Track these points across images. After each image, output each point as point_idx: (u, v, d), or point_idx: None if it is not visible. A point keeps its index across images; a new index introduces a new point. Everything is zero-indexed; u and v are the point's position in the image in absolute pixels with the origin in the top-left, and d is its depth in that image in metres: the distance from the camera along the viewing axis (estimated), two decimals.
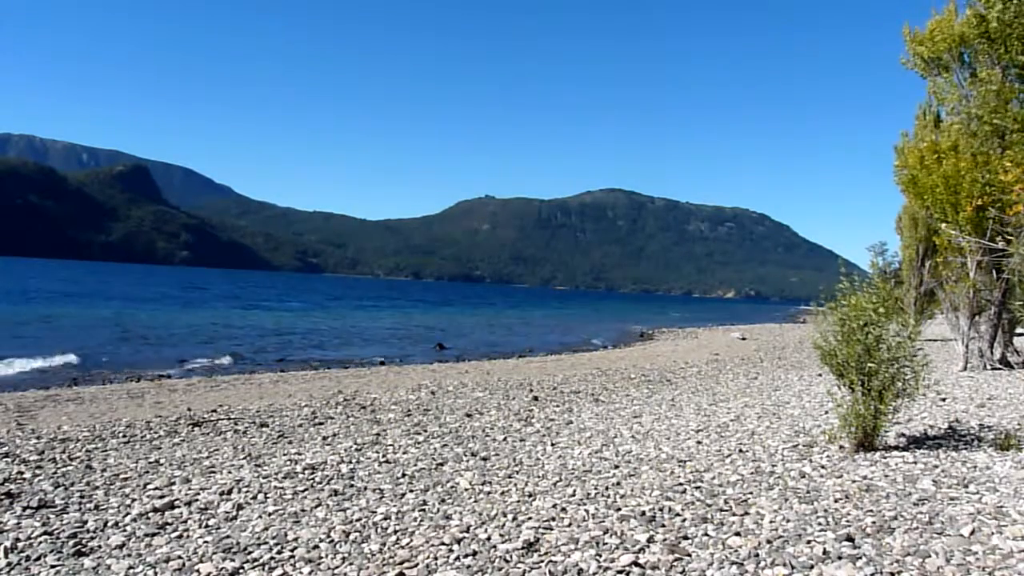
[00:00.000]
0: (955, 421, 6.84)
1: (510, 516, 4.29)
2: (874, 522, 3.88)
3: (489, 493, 4.87)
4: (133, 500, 4.85)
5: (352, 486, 5.14)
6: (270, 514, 4.50)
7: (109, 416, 8.70)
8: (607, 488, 4.85)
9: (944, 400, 8.26)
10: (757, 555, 3.50)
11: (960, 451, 5.47)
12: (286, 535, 4.08)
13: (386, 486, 5.11)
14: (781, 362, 16.60)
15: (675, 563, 3.46)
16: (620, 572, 3.39)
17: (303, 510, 4.57)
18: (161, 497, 4.89)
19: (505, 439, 6.91)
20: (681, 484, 4.87)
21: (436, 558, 3.66)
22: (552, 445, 6.54)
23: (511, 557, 3.63)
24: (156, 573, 3.61)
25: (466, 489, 4.99)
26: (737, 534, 3.80)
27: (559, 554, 3.64)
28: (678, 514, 4.20)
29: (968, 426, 6.56)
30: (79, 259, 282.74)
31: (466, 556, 3.67)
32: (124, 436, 7.24)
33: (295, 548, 3.87)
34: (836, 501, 4.31)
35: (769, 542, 3.66)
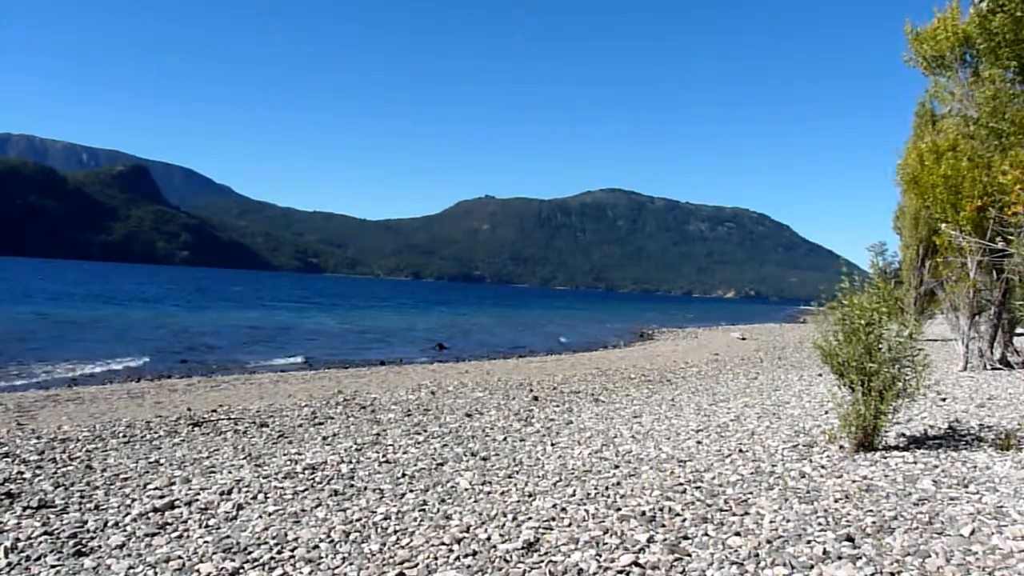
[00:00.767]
0: (955, 421, 6.83)
1: (510, 516, 4.29)
2: (874, 522, 3.87)
3: (489, 493, 4.87)
4: (133, 500, 4.85)
5: (352, 486, 5.14)
6: (270, 514, 4.50)
7: (109, 416, 8.70)
8: (607, 488, 4.85)
9: (944, 400, 8.25)
10: (757, 555, 3.50)
11: (960, 451, 5.47)
12: (286, 535, 4.08)
13: (386, 486, 5.11)
14: (781, 362, 16.60)
15: (675, 563, 3.45)
16: (620, 572, 3.39)
17: (303, 510, 4.57)
18: (161, 497, 4.89)
19: (505, 439, 6.91)
20: (681, 484, 4.87)
21: (436, 558, 3.66)
22: (552, 445, 6.54)
23: (511, 557, 3.63)
24: (156, 573, 3.61)
25: (466, 489, 4.99)
26: (737, 534, 3.80)
27: (559, 554, 3.64)
28: (678, 514, 4.20)
29: (968, 426, 6.56)
30: (79, 259, 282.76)
31: (466, 556, 3.67)
32: (124, 436, 7.24)
33: (295, 548, 3.87)
34: (836, 501, 4.31)
35: (769, 542, 3.66)
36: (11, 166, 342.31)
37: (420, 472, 5.53)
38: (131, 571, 3.63)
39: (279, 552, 3.82)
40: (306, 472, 5.56)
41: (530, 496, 4.75)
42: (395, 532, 4.09)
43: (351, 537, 4.03)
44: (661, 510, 4.29)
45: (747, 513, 4.16)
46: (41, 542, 4.03)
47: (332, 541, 3.97)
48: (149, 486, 5.20)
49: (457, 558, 3.65)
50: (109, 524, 4.35)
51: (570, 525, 4.09)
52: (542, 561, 3.56)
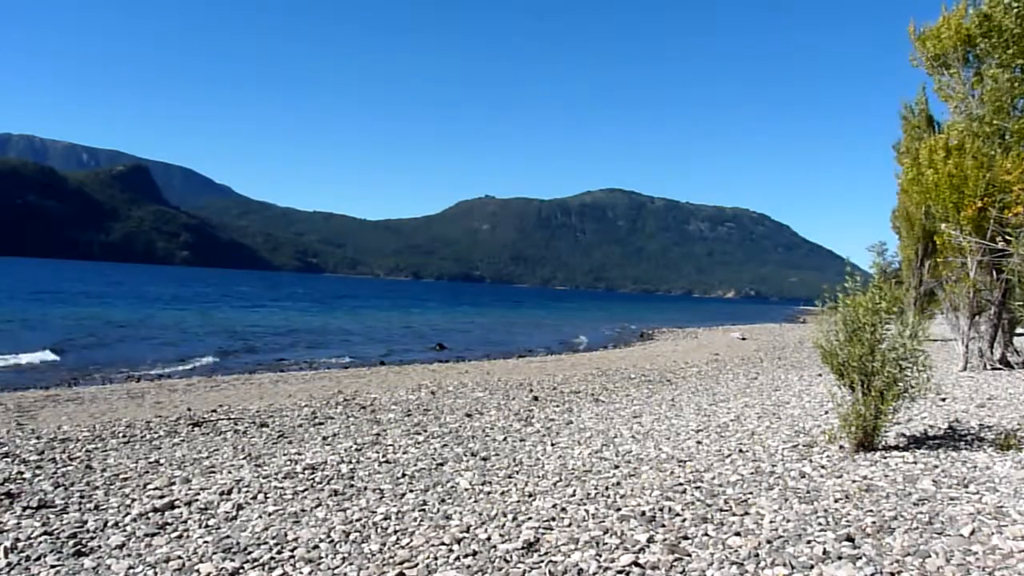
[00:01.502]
0: (955, 421, 6.83)
1: (510, 516, 4.29)
2: (874, 522, 3.87)
3: (489, 493, 4.87)
4: (133, 500, 4.85)
5: (352, 486, 5.14)
6: (270, 514, 4.50)
7: (109, 416, 8.70)
8: (607, 488, 4.85)
9: (944, 400, 8.25)
10: (757, 555, 3.50)
11: (960, 451, 5.47)
12: (286, 535, 4.08)
13: (386, 486, 5.11)
14: (781, 362, 16.60)
15: (675, 563, 3.45)
16: (620, 572, 3.39)
17: (303, 510, 4.57)
18: (161, 497, 4.89)
19: (505, 439, 6.91)
20: (681, 484, 4.87)
21: (436, 558, 3.66)
22: (552, 445, 6.54)
23: (511, 557, 3.63)
24: (156, 573, 3.61)
25: (466, 489, 4.99)
26: (737, 534, 3.80)
27: (559, 554, 3.64)
28: (678, 514, 4.20)
29: (968, 426, 6.56)
30: (79, 259, 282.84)
31: (466, 556, 3.67)
32: (124, 436, 7.24)
33: (295, 548, 3.87)
34: (836, 501, 4.31)
35: (769, 542, 3.66)
36: (11, 166, 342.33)
37: (420, 472, 5.53)
38: (131, 571, 3.63)
39: (279, 552, 3.82)
40: (306, 472, 5.56)
41: (530, 496, 4.75)
42: (395, 532, 4.09)
43: (351, 537, 4.03)
44: (661, 510, 4.28)
45: (747, 513, 4.16)
46: (41, 542, 4.03)
47: (332, 541, 3.97)
48: (149, 486, 5.20)
49: (457, 558, 3.65)
50: (109, 524, 4.35)
51: (570, 525, 4.09)
52: (542, 561, 3.56)
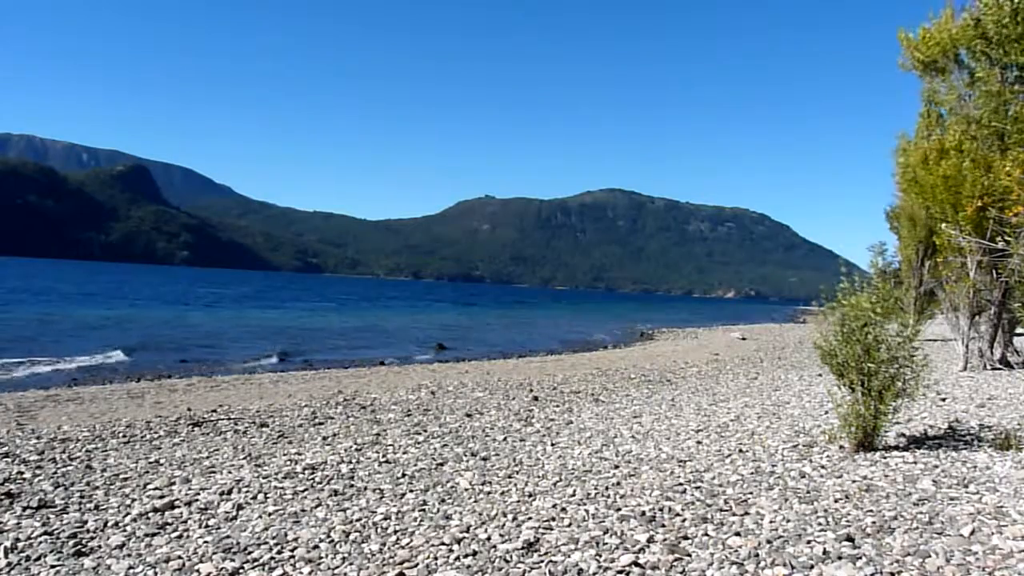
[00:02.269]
0: (955, 421, 6.83)
1: (510, 516, 4.29)
2: (874, 522, 3.87)
3: (489, 493, 4.87)
4: (133, 500, 4.85)
5: (352, 486, 5.14)
6: (270, 514, 4.50)
7: (109, 416, 8.70)
8: (607, 488, 4.85)
9: (944, 400, 8.25)
10: (757, 555, 3.50)
11: (960, 451, 5.47)
12: (286, 535, 4.08)
13: (386, 486, 5.11)
14: (781, 362, 16.60)
15: (675, 563, 3.45)
16: (620, 572, 3.39)
17: (303, 510, 4.57)
18: (161, 497, 4.89)
19: (505, 439, 6.91)
20: (681, 484, 4.87)
21: (436, 558, 3.66)
22: (552, 445, 6.54)
23: (511, 557, 3.63)
24: (156, 573, 3.61)
25: (466, 489, 4.99)
26: (737, 534, 3.80)
27: (559, 554, 3.64)
28: (678, 514, 4.20)
29: (968, 426, 6.56)
30: (79, 259, 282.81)
31: (466, 556, 3.67)
32: (124, 436, 7.24)
33: (295, 548, 3.87)
34: (836, 501, 4.31)
35: (769, 542, 3.66)
36: (11, 166, 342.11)
37: (420, 472, 5.53)
38: (131, 571, 3.63)
39: (279, 552, 3.82)
40: (306, 472, 5.56)
41: (530, 496, 4.75)
42: (395, 532, 4.09)
43: (351, 537, 4.03)
44: (661, 510, 4.28)
45: (747, 513, 4.16)
46: (41, 542, 4.03)
47: (332, 541, 3.97)
48: (149, 486, 5.20)
49: (457, 558, 3.65)
50: (109, 524, 4.35)
51: (570, 525, 4.09)
52: (542, 561, 3.56)
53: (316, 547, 3.88)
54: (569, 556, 3.60)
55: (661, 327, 40.45)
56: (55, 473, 5.62)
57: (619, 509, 4.34)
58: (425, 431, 7.40)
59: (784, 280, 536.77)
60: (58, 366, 15.48)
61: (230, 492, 5.00)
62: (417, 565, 3.59)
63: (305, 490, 5.05)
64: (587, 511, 4.32)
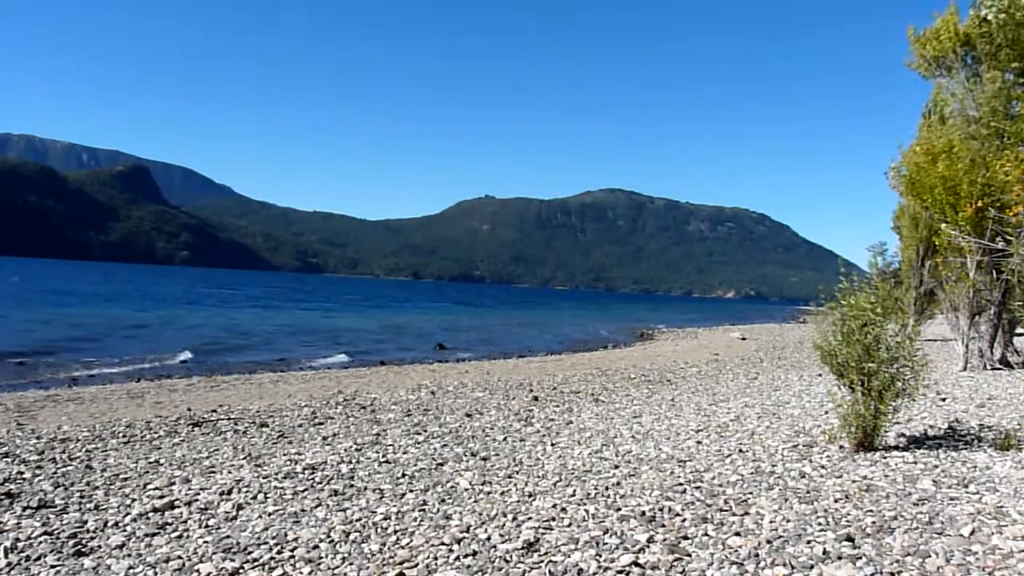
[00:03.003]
0: (955, 421, 6.83)
1: (510, 516, 4.29)
2: (874, 522, 3.87)
3: (489, 493, 4.87)
4: (133, 500, 4.85)
5: (352, 486, 5.14)
6: (270, 514, 4.50)
7: (109, 416, 8.70)
8: (607, 488, 4.85)
9: (944, 400, 8.25)
10: (757, 555, 3.50)
11: (960, 451, 5.47)
12: (286, 535, 4.08)
13: (386, 486, 5.11)
14: (781, 362, 16.60)
15: (675, 563, 3.45)
16: (620, 572, 3.39)
17: (303, 510, 4.57)
18: (161, 497, 4.89)
19: (505, 439, 6.91)
20: (681, 484, 4.87)
21: (436, 558, 3.66)
22: (552, 445, 6.54)
23: (511, 557, 3.63)
24: (156, 573, 3.61)
25: (466, 489, 4.99)
26: (737, 534, 3.80)
27: (559, 554, 3.64)
28: (678, 514, 4.20)
29: (968, 426, 6.56)
30: (79, 259, 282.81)
31: (466, 556, 3.67)
32: (124, 436, 7.24)
33: (295, 548, 3.87)
34: (836, 501, 4.31)
35: (769, 542, 3.66)
36: (11, 166, 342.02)
37: (420, 472, 5.53)
38: (131, 571, 3.63)
39: (279, 552, 3.82)
40: (306, 472, 5.56)
41: (530, 496, 4.75)
42: (395, 532, 4.09)
43: (351, 537, 4.03)
44: (661, 510, 4.28)
45: (747, 513, 4.16)
46: (41, 542, 4.03)
47: (332, 541, 3.97)
48: (149, 486, 5.20)
49: (457, 558, 3.65)
50: (109, 524, 4.35)
51: (570, 525, 4.09)
52: (542, 561, 3.56)
53: (316, 547, 3.88)
54: (569, 556, 3.60)
55: (661, 327, 40.47)
56: (55, 473, 5.62)
57: (619, 509, 4.34)
58: (425, 431, 7.40)
59: (784, 280, 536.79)
60: (141, 365, 16.38)
61: (230, 492, 5.00)
62: (417, 565, 3.59)
63: (305, 490, 5.05)
64: (587, 511, 4.32)
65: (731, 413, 8.09)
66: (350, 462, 5.91)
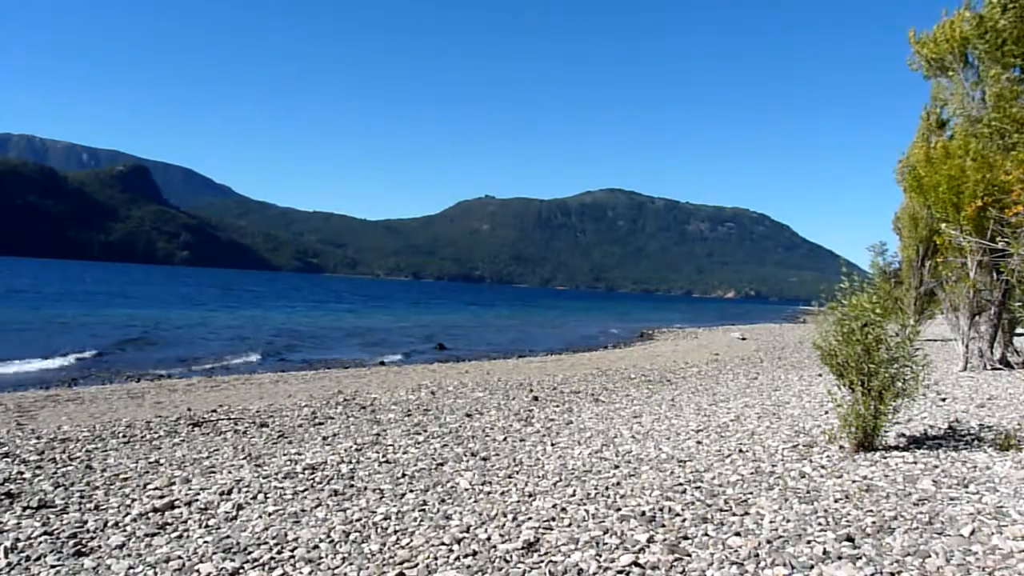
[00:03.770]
0: (955, 421, 6.83)
1: (510, 516, 4.29)
2: (874, 522, 3.87)
3: (489, 493, 4.87)
4: (133, 500, 4.85)
5: (352, 486, 5.14)
6: (270, 514, 4.50)
7: (109, 416, 8.70)
8: (607, 488, 4.85)
9: (944, 400, 8.25)
10: (757, 555, 3.50)
11: (960, 451, 5.47)
12: (286, 535, 4.08)
13: (386, 486, 5.11)
14: (781, 362, 16.60)
15: (675, 563, 3.45)
16: (620, 572, 3.39)
17: (303, 510, 4.57)
18: (161, 497, 4.89)
19: (505, 439, 6.91)
20: (681, 484, 4.87)
21: (436, 558, 3.66)
22: (552, 445, 6.54)
23: (511, 557, 3.63)
24: (156, 573, 3.61)
25: (466, 489, 4.99)
26: (737, 534, 3.80)
27: (559, 554, 3.64)
28: (678, 514, 4.20)
29: (968, 426, 6.56)
30: (79, 259, 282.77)
31: (466, 556, 3.67)
32: (124, 436, 7.24)
33: (295, 548, 3.87)
34: (836, 501, 4.31)
35: (769, 542, 3.66)
36: (11, 166, 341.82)
37: (420, 472, 5.53)
38: (131, 571, 3.63)
39: (279, 552, 3.82)
40: (306, 472, 5.56)
41: (530, 496, 4.75)
42: (395, 532, 4.09)
43: (351, 537, 4.03)
44: (661, 510, 4.28)
45: (747, 513, 4.16)
46: (41, 542, 4.03)
47: (332, 541, 3.97)
48: (149, 486, 5.20)
49: (457, 558, 3.65)
50: (109, 524, 4.35)
51: (570, 525, 4.09)
52: (542, 561, 3.56)
53: (316, 547, 3.88)
54: (569, 556, 3.60)
55: (661, 327, 40.46)
56: (55, 473, 5.62)
57: (619, 509, 4.34)
58: (425, 431, 7.40)
59: (784, 280, 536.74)
60: (225, 363, 17.43)
61: (230, 492, 5.00)
62: (417, 565, 3.59)
63: (305, 490, 5.04)
64: (587, 511, 4.32)
65: (731, 413, 8.09)
66: (350, 462, 5.91)
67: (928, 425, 6.65)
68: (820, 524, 3.89)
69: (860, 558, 3.39)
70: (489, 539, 3.90)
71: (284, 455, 6.24)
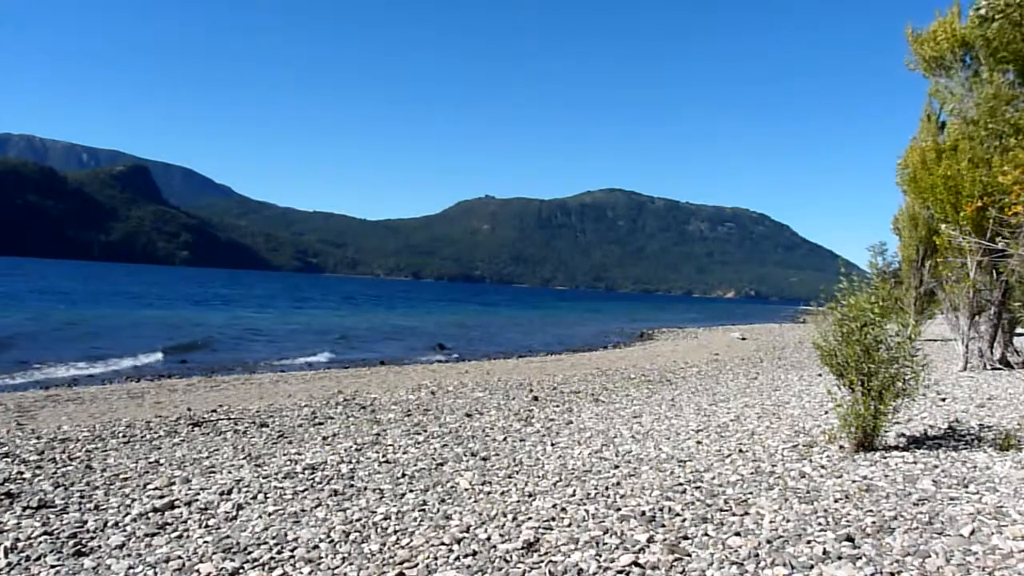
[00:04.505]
0: (955, 421, 6.83)
1: (510, 516, 4.29)
2: (874, 522, 3.87)
3: (489, 493, 4.87)
4: (133, 500, 4.85)
5: (352, 486, 5.14)
6: (270, 514, 4.50)
7: (109, 416, 8.70)
8: (607, 488, 4.85)
9: (944, 400, 8.25)
10: (757, 555, 3.50)
11: (960, 451, 5.47)
12: (286, 535, 4.08)
13: (386, 486, 5.11)
14: (781, 362, 16.60)
15: (675, 563, 3.45)
16: (620, 572, 3.39)
17: (303, 510, 4.57)
18: (161, 497, 4.89)
19: (505, 439, 6.91)
20: (681, 484, 4.87)
21: (436, 558, 3.66)
22: (552, 445, 6.54)
23: (511, 557, 3.63)
24: (156, 573, 3.61)
25: (466, 489, 4.99)
26: (737, 534, 3.80)
27: (559, 554, 3.64)
28: (678, 514, 4.20)
29: (968, 426, 6.56)
30: (79, 259, 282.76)
31: (466, 556, 3.67)
32: (124, 436, 7.24)
33: (295, 548, 3.87)
34: (836, 501, 4.31)
35: (769, 542, 3.66)
36: (11, 166, 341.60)
37: (420, 472, 5.53)
38: (131, 571, 3.63)
39: (279, 552, 3.82)
40: (306, 472, 5.56)
41: (530, 496, 4.75)
42: (395, 532, 4.09)
43: (351, 537, 4.03)
44: (661, 510, 4.29)
45: (747, 513, 4.16)
46: (41, 542, 4.03)
47: (332, 541, 3.97)
48: (149, 486, 5.20)
49: (457, 558, 3.65)
50: (109, 524, 4.35)
51: (570, 525, 4.09)
52: (542, 561, 3.56)
53: (316, 547, 3.88)
54: (569, 556, 3.60)
55: (661, 327, 40.46)
56: (55, 473, 5.62)
57: (619, 509, 4.34)
58: (425, 431, 7.40)
59: (784, 280, 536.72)
60: (290, 360, 18.42)
61: (230, 492, 5.00)
62: (417, 565, 3.59)
63: (305, 490, 5.05)
64: (587, 511, 4.32)
65: (731, 413, 8.09)
66: (350, 462, 5.91)
67: (928, 425, 6.65)
68: (820, 524, 3.89)
69: (860, 558, 3.39)
70: (489, 539, 3.90)
71: (284, 455, 6.24)
